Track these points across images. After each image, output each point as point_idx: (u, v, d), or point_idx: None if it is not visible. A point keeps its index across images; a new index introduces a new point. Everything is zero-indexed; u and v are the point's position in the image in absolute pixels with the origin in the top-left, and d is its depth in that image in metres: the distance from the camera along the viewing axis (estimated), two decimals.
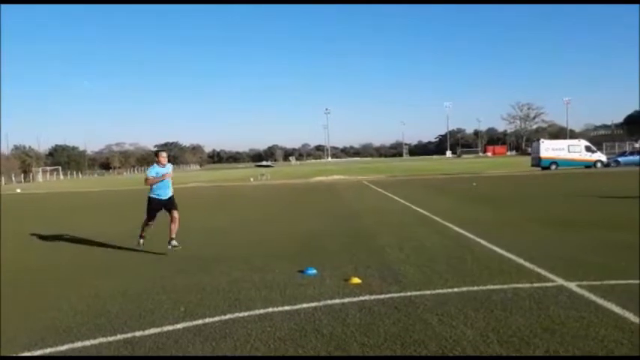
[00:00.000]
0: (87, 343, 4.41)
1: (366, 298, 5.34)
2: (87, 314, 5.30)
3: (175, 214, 8.53)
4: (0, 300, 5.93)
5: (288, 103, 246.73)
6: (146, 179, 8.56)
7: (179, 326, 4.72)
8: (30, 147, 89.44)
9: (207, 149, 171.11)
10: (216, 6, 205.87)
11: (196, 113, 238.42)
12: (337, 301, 5.26)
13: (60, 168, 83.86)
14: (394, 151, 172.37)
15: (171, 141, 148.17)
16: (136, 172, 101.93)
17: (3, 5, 71.11)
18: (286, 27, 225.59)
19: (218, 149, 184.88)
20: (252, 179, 41.40)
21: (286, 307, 5.10)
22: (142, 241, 8.90)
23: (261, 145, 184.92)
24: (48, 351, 4.27)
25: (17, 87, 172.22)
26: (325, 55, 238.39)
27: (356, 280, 6.02)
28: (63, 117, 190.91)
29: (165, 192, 8.68)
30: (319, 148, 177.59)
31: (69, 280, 7.00)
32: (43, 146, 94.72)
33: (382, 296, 5.38)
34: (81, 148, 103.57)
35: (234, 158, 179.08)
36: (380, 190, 23.21)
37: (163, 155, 8.79)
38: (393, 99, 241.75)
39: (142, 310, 5.29)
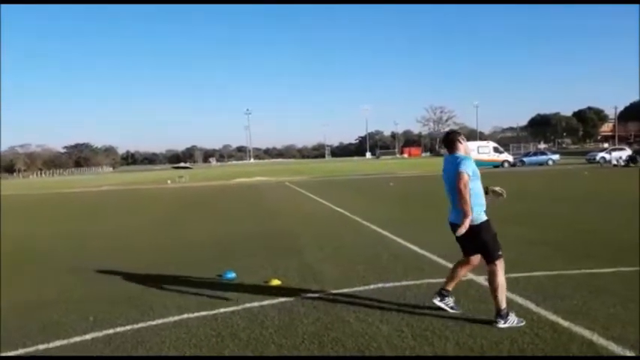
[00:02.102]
0: None
1: (286, 299, 5.32)
2: None
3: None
4: None
5: (209, 102, 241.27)
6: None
7: (87, 337, 4.44)
8: None
9: (121, 150, 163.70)
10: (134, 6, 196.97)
11: (108, 112, 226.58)
12: (256, 304, 5.19)
13: None
14: (317, 152, 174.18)
15: (81, 142, 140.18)
16: (43, 175, 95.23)
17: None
18: (208, 26, 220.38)
19: (132, 150, 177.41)
20: (169, 182, 40.03)
21: (203, 313, 4.96)
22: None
23: (180, 146, 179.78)
24: None
25: None
26: (245, 55, 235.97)
27: (276, 282, 5.99)
28: None
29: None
30: (241, 150, 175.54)
31: None
32: None
33: (301, 296, 5.39)
34: None
35: (149, 160, 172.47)
36: (302, 191, 23.33)
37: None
38: (316, 100, 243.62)
39: (45, 322, 4.92)
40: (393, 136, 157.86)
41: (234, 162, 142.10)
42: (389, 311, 4.73)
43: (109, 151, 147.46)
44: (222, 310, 5.03)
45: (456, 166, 4.33)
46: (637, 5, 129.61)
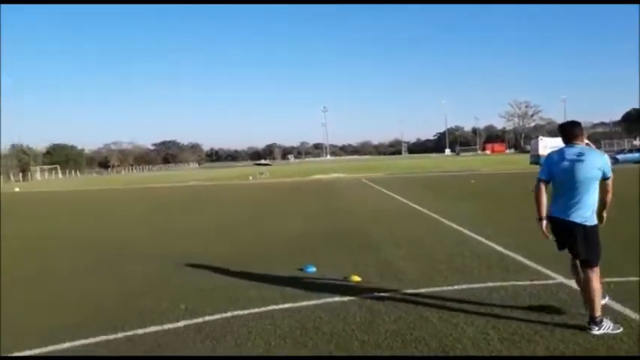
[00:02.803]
0: (87, 341, 4.41)
1: (366, 295, 5.34)
2: (86, 312, 5.31)
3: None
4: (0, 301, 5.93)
5: (287, 102, 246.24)
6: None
7: (180, 324, 4.72)
8: (27, 146, 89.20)
9: (206, 148, 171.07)
10: (216, 6, 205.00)
11: (195, 112, 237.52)
12: (337, 298, 5.26)
13: (58, 167, 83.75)
14: (393, 149, 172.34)
15: (169, 139, 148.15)
16: (134, 170, 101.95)
17: (3, 5, 70.52)
18: (285, 26, 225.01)
19: (216, 148, 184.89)
20: (250, 178, 41.39)
21: (286, 305, 5.10)
22: None
23: (260, 144, 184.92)
24: (50, 349, 4.27)
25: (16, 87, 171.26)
26: (323, 54, 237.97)
27: (356, 278, 6.03)
28: (61, 115, 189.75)
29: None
30: (318, 147, 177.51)
31: (66, 279, 7.01)
32: (40, 145, 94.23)
33: (382, 294, 5.39)
34: (79, 147, 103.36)
35: (232, 157, 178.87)
36: (378, 187, 23.23)
37: None
38: (392, 97, 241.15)
39: (142, 309, 5.29)
40: (474, 131, 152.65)
41: (311, 159, 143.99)
42: (474, 313, 4.60)
43: (194, 148, 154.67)
44: (304, 303, 5.15)
45: (601, 165, 4.16)
46: None
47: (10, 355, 4.28)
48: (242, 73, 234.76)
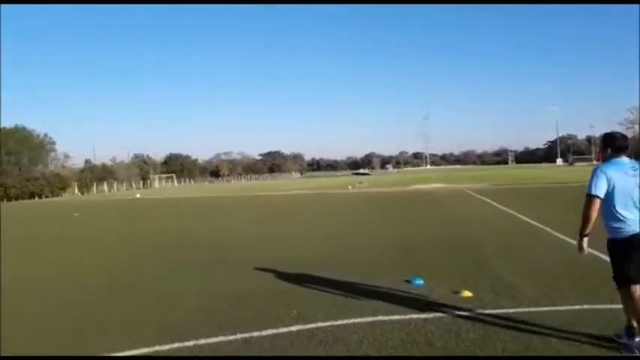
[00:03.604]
0: (209, 340, 4.75)
1: (479, 312, 5.19)
2: (206, 312, 5.70)
3: None
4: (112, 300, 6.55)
5: (386, 110, 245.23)
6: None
7: (293, 329, 4.92)
8: (148, 155, 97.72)
9: (307, 157, 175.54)
10: (316, 5, 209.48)
11: (297, 123, 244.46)
12: (447, 313, 5.17)
13: (174, 175, 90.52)
14: (498, 158, 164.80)
15: (274, 150, 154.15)
16: (242, 179, 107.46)
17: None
18: (389, 33, 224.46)
19: (317, 157, 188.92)
20: (350, 187, 41.74)
21: (395, 317, 5.11)
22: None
23: (359, 153, 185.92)
24: (175, 346, 4.65)
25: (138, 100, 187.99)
26: (424, 60, 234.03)
27: (467, 293, 5.88)
28: (178, 128, 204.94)
29: None
30: (417, 156, 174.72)
31: (184, 281, 7.57)
32: (159, 155, 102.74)
33: (495, 311, 5.20)
34: (193, 157, 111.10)
35: (332, 166, 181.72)
36: (483, 198, 22.33)
37: None
38: (497, 103, 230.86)
39: (256, 311, 5.58)
40: (589, 140, 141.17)
41: (410, 168, 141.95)
42: (599, 338, 4.30)
43: (297, 158, 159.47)
44: (414, 316, 5.12)
45: None
46: None
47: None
48: (342, 84, 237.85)
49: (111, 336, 5.00)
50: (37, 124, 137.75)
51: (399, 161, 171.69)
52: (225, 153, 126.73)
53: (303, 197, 31.75)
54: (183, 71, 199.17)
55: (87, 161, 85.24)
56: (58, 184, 61.18)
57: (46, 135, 68.91)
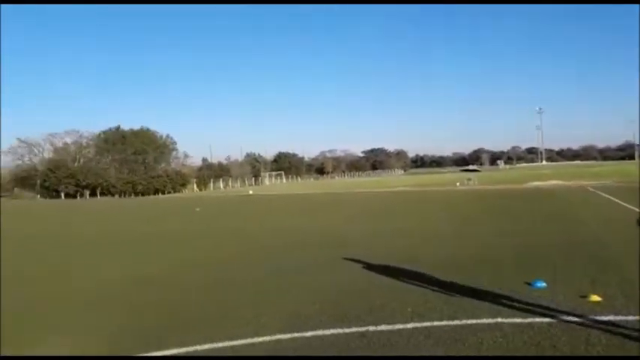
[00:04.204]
0: (326, 331, 4.92)
1: (609, 318, 4.83)
2: (322, 304, 5.89)
3: None
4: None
5: (496, 102, 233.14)
6: None
7: (409, 326, 4.93)
8: (259, 154, 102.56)
9: (411, 154, 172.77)
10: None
11: (400, 120, 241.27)
12: (574, 318, 4.87)
13: (283, 172, 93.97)
14: (623, 153, 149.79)
15: (377, 147, 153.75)
16: (346, 176, 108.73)
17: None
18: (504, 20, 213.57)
19: (421, 154, 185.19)
20: (458, 184, 40.44)
21: (516, 320, 4.92)
22: None
23: (466, 149, 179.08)
24: (295, 335, 4.87)
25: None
26: (536, 50, 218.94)
27: (595, 298, 5.48)
28: (285, 128, 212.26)
29: None
30: (531, 151, 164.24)
31: (301, 275, 7.85)
32: (269, 153, 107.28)
33: (628, 317, 4.81)
34: (300, 155, 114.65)
35: (437, 162, 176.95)
36: (608, 196, 20.48)
37: None
38: (619, 92, 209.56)
39: (371, 305, 5.67)
40: None
41: (524, 164, 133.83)
42: None
43: (400, 154, 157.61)
44: (536, 319, 4.89)
45: None
46: None
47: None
48: (447, 77, 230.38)
49: (236, 324, 5.35)
50: (159, 125, 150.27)
51: (510, 157, 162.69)
52: (330, 151, 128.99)
53: (409, 194, 31.36)
54: (292, 77, 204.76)
55: (204, 160, 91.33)
56: (179, 180, 66.34)
57: (168, 136, 74.81)
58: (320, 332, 4.91)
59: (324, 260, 8.90)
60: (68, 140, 67.89)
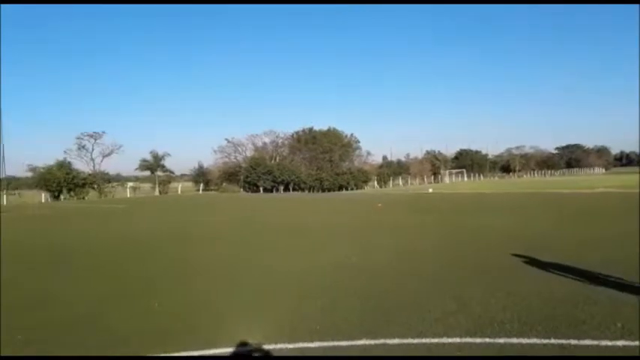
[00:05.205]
0: (521, 340, 4.76)
1: None
2: (513, 312, 5.68)
3: None
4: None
5: None
6: None
7: (619, 343, 4.52)
8: (439, 151, 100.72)
9: (614, 151, 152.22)
10: None
11: (602, 114, 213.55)
12: None
13: (464, 170, 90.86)
14: None
15: (572, 143, 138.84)
16: (535, 174, 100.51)
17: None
18: None
19: (627, 150, 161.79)
20: None
21: None
22: None
23: None
24: (487, 340, 4.81)
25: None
26: None
27: None
28: (468, 124, 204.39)
29: None
30: None
31: (492, 274, 7.61)
32: (449, 150, 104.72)
33: None
34: (483, 152, 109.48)
35: None
36: None
37: None
38: None
39: (573, 317, 5.30)
40: None
41: None
42: None
43: (601, 151, 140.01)
44: None
45: None
46: None
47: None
48: None
49: (426, 321, 5.48)
50: (345, 125, 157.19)
51: None
52: (517, 147, 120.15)
53: (609, 197, 27.73)
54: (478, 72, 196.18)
55: (384, 158, 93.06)
56: (361, 177, 68.83)
57: (352, 135, 78.05)
58: (514, 340, 4.78)
59: (517, 263, 8.51)
60: (267, 140, 75.41)
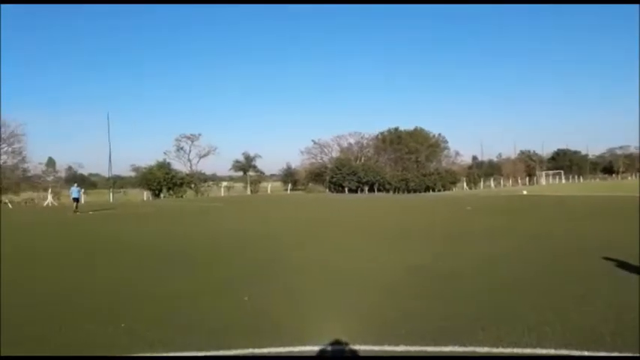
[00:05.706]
0: (626, 354, 4.44)
1: None
2: (619, 324, 5.30)
3: None
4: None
5: None
6: None
7: None
8: (534, 151, 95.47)
9: None
10: None
11: None
12: None
13: (562, 172, 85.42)
14: None
15: None
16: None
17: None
18: None
19: None
20: None
21: None
22: None
23: None
24: (586, 354, 4.52)
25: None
26: None
27: None
28: (566, 123, 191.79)
29: None
30: None
31: (589, 283, 7.13)
32: (546, 150, 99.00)
33: None
34: (583, 152, 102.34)
35: None
36: None
37: None
38: None
39: None
40: None
41: None
42: None
43: None
44: None
45: None
46: None
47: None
48: None
49: (519, 330, 5.26)
50: (432, 125, 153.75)
51: None
52: (621, 147, 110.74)
53: None
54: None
55: (474, 158, 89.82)
56: (449, 178, 67.06)
57: (440, 134, 76.30)
58: (616, 354, 4.46)
59: (625, 275, 7.90)
60: (352, 141, 75.79)
